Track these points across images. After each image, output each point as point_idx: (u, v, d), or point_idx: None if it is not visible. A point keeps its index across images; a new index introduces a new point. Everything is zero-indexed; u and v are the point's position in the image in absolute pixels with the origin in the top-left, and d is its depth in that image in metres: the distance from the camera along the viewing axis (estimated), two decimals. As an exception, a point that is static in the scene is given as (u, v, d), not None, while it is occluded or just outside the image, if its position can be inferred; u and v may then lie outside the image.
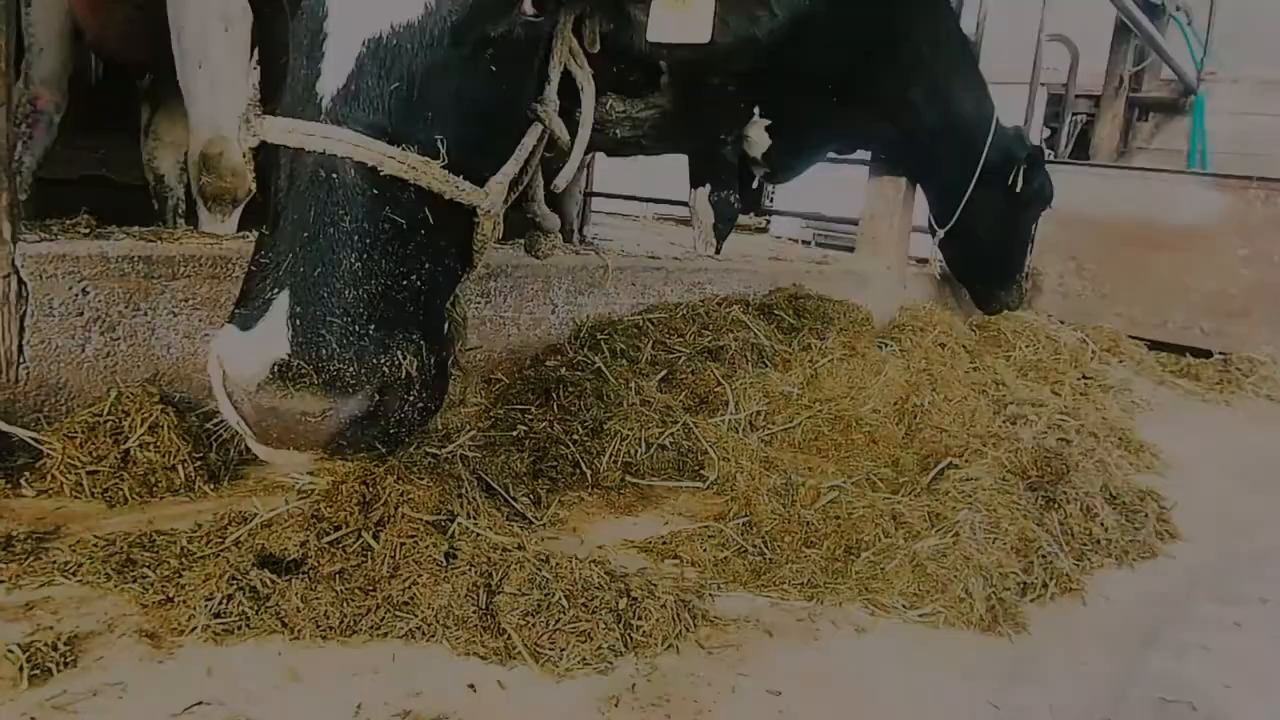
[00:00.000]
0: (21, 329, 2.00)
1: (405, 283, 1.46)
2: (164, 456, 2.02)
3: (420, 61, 1.45)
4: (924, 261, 6.21)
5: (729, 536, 2.11)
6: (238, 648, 1.43)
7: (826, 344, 3.60)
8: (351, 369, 1.34)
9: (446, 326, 1.62)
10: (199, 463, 2.07)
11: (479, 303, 3.06)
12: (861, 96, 4.93)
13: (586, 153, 7.21)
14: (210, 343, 1.41)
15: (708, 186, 5.10)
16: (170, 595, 1.50)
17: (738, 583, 1.97)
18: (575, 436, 2.57)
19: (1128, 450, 3.59)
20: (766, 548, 2.12)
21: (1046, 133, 9.45)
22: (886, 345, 3.80)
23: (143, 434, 2.02)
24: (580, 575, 1.64)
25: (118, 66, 4.58)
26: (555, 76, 1.80)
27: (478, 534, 1.71)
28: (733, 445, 2.70)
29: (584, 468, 2.49)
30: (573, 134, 1.89)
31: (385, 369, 1.38)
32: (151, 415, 2.05)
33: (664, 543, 2.10)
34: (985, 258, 5.65)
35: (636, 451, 2.61)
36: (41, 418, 2.05)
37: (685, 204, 5.33)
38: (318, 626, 1.48)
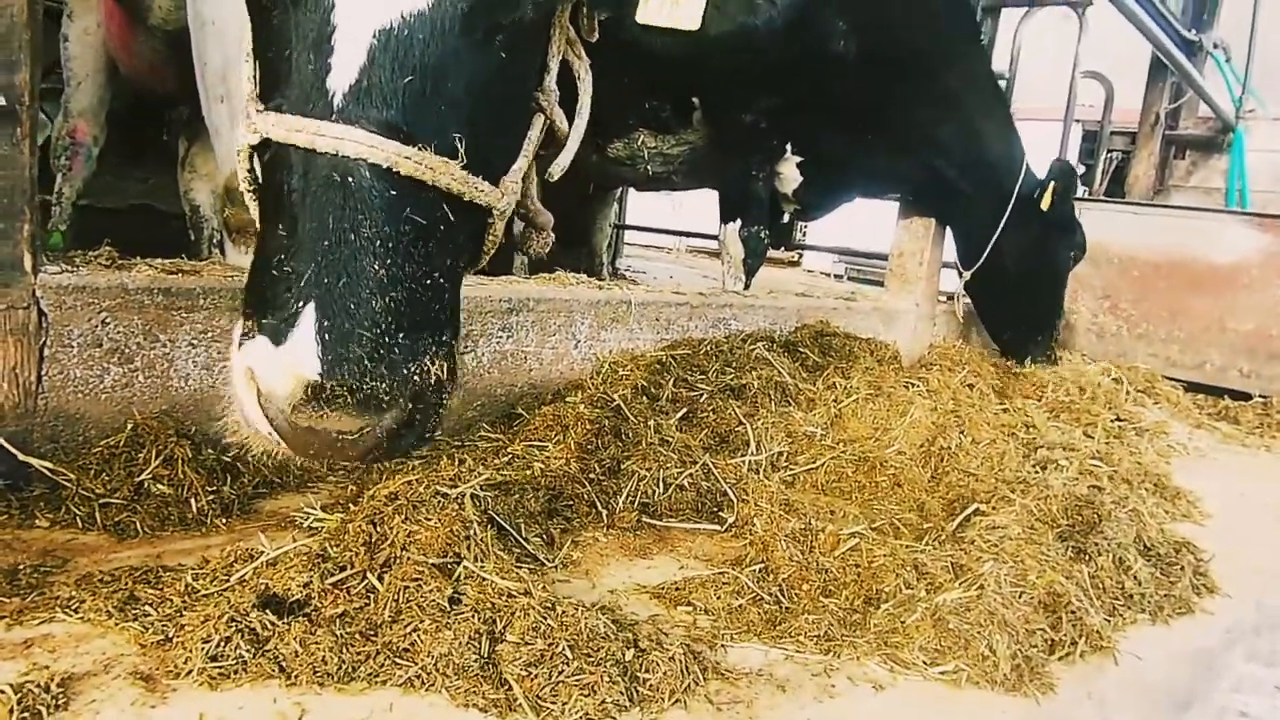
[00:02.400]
0: (41, 359, 2.01)
1: (427, 286, 1.43)
2: (177, 490, 2.02)
3: (434, 52, 1.41)
4: (952, 298, 6.14)
5: (744, 583, 2.06)
6: (233, 693, 1.40)
7: (851, 383, 3.55)
8: (385, 385, 1.33)
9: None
10: (212, 496, 2.06)
11: (500, 337, 3.05)
12: (890, 135, 4.92)
13: (617, 186, 7.23)
14: (238, 352, 1.38)
15: (738, 222, 5.10)
16: (169, 635, 1.47)
17: (752, 633, 1.91)
18: (592, 475, 2.53)
19: (1163, 497, 3.48)
20: (783, 596, 2.06)
21: (1081, 169, 9.35)
22: (913, 385, 3.73)
23: (157, 466, 2.02)
24: (586, 625, 1.60)
25: (153, 99, 4.68)
26: (554, 66, 1.77)
27: (483, 578, 1.68)
28: (752, 487, 2.65)
29: (599, 508, 2.45)
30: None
31: (417, 378, 1.38)
32: (167, 448, 2.05)
33: (677, 588, 2.05)
34: (1014, 305, 5.50)
35: (654, 492, 2.57)
36: (58, 448, 2.06)
37: (716, 237, 5.33)
38: (315, 672, 1.44)
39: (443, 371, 1.42)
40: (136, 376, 2.17)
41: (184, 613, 1.53)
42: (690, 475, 2.65)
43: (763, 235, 5.23)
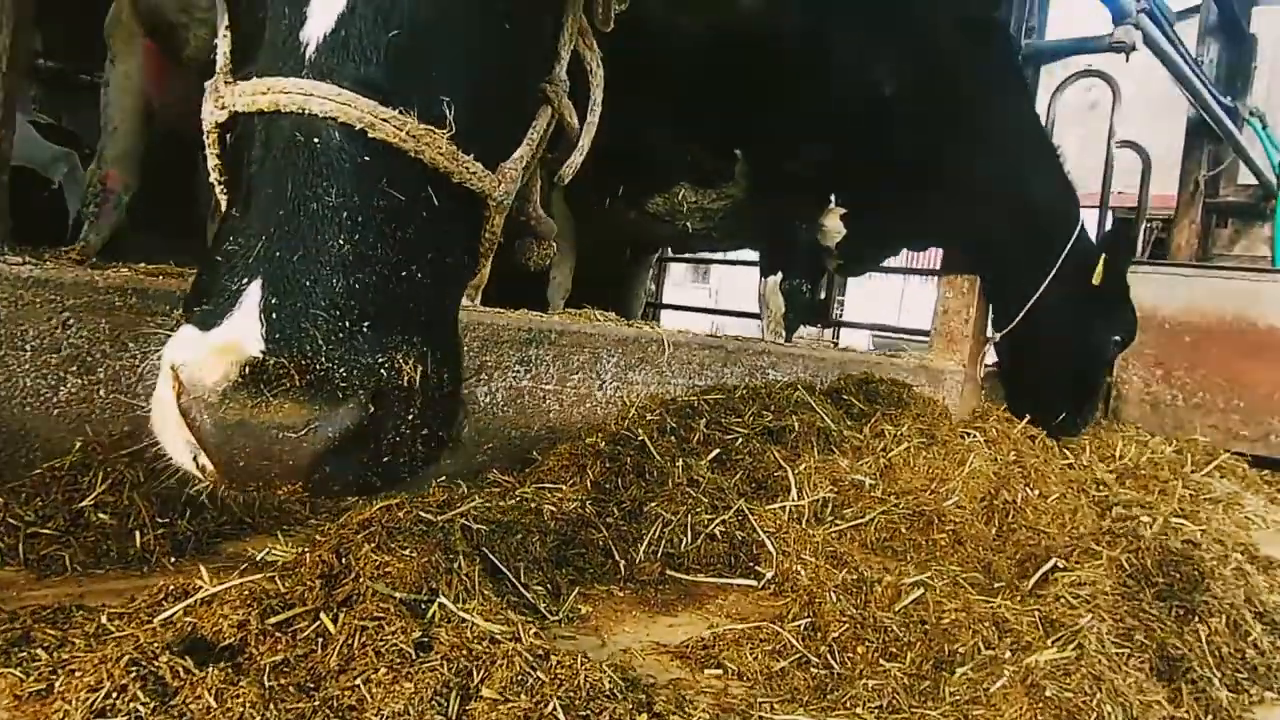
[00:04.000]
0: (-19, 368, 1.77)
1: (403, 276, 1.18)
2: (121, 521, 1.73)
3: (427, 6, 1.20)
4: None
5: (787, 641, 1.70)
6: (122, 758, 1.08)
7: (901, 430, 3.20)
8: (340, 369, 1.05)
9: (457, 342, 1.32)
10: (162, 531, 1.77)
11: (516, 371, 2.77)
12: (935, 185, 4.67)
13: (654, 249, 7.02)
14: (161, 352, 1.12)
15: (779, 275, 4.86)
16: (53, 685, 1.17)
17: (796, 703, 1.55)
18: (609, 519, 2.20)
19: (1255, 567, 3.04)
20: (834, 659, 1.69)
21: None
22: (970, 434, 3.36)
23: (101, 493, 1.74)
24: (586, 680, 1.26)
25: (181, 146, 4.60)
26: (565, 55, 1.55)
27: (463, 619, 1.35)
28: (794, 537, 2.30)
29: (617, 557, 2.12)
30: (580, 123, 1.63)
31: (382, 371, 1.09)
32: (115, 471, 1.77)
33: (705, 647, 1.70)
34: (1038, 378, 4.85)
35: (681, 540, 2.23)
36: (-2, 470, 1.80)
37: (756, 315, 5.09)
38: (231, 733, 1.12)
39: (417, 375, 1.13)
40: (97, 390, 1.91)
41: (80, 657, 1.23)
42: (724, 523, 2.30)
43: (805, 289, 4.98)
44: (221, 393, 1.02)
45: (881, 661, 1.68)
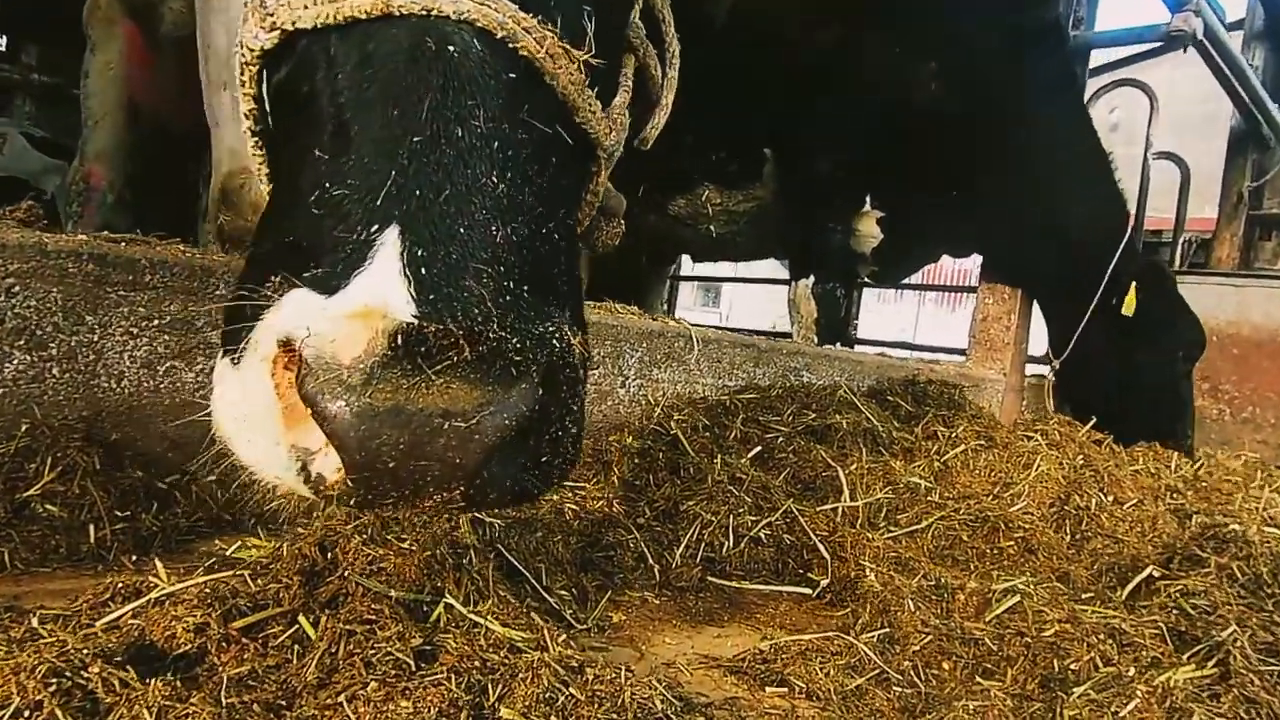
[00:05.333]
0: (-85, 337, 1.53)
1: (546, 231, 0.95)
2: (73, 513, 1.47)
3: None
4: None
5: (862, 655, 1.42)
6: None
7: (957, 432, 2.92)
8: (513, 339, 0.82)
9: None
10: (123, 526, 1.51)
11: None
12: (981, 191, 4.38)
13: (673, 256, 6.74)
14: (260, 326, 0.84)
15: (811, 279, 4.60)
16: (-54, 699, 0.90)
17: (881, 727, 1.27)
18: (641, 520, 1.93)
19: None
20: (918, 675, 1.41)
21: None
22: (1032, 436, 3.07)
23: (50, 481, 1.48)
24: (633, 698, 0.99)
25: (171, 141, 4.40)
26: (638, 3, 1.32)
27: (475, 623, 1.08)
28: (851, 541, 2.02)
29: (650, 560, 1.84)
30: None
31: (554, 342, 0.86)
32: (67, 457, 1.52)
33: (764, 660, 1.42)
34: (1108, 409, 4.23)
35: (722, 544, 1.96)
36: (-66, 458, 1.54)
37: (767, 334, 4.84)
38: (173, 764, 0.85)
39: (582, 349, 0.92)
40: (50, 369, 1.66)
41: (-7, 665, 0.96)
42: (770, 525, 2.03)
43: (839, 294, 4.73)
44: (367, 371, 0.76)
45: (977, 679, 1.39)
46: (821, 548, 2.00)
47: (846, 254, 4.72)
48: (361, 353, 0.77)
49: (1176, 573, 1.97)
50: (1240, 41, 7.82)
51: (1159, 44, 5.28)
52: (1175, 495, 3.18)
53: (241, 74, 1.05)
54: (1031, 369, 5.37)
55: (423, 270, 0.80)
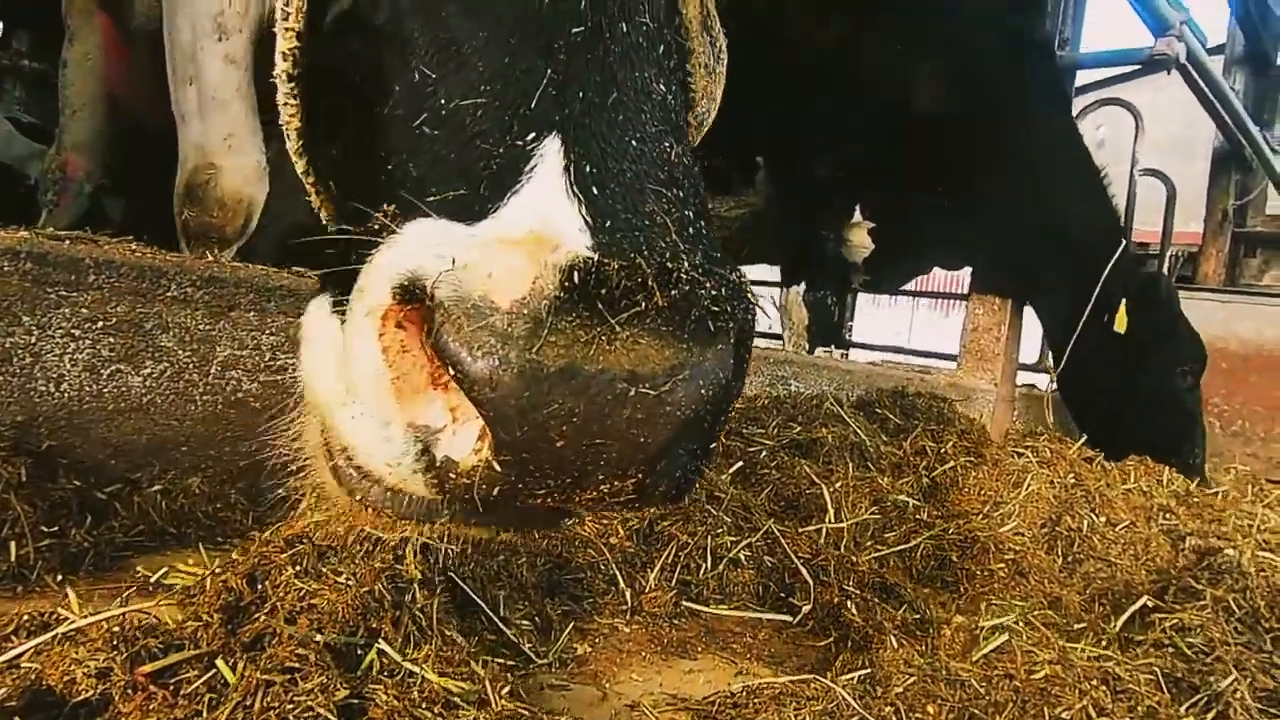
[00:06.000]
0: None
1: (694, 175, 0.78)
2: (-7, 528, 1.37)
3: None
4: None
5: (840, 700, 1.32)
6: None
7: (945, 448, 2.83)
8: (707, 285, 0.65)
9: None
10: (49, 542, 1.40)
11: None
12: (968, 199, 4.30)
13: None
14: (370, 268, 0.66)
15: (802, 285, 4.53)
16: None
17: (858, 782, 1.17)
18: (613, 539, 1.83)
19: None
20: (901, 722, 1.32)
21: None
22: (1022, 454, 2.99)
23: (-31, 494, 1.38)
24: (580, 762, 0.89)
25: (149, 136, 4.30)
26: None
27: (410, 673, 0.98)
28: (835, 565, 1.92)
29: (622, 584, 1.74)
30: None
31: (748, 295, 0.70)
32: (-11, 467, 1.41)
33: (735, 705, 1.32)
34: (1108, 422, 4.20)
35: (699, 566, 1.86)
36: None
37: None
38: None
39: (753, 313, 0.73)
40: (-19, 372, 1.56)
41: None
42: (749, 546, 1.93)
43: (830, 302, 4.65)
44: (535, 317, 0.59)
45: (963, 728, 1.30)
46: (804, 571, 1.91)
47: (839, 262, 4.65)
48: (526, 294, 0.59)
49: (1171, 604, 1.88)
50: (1221, 66, 7.82)
51: (1139, 66, 5.25)
52: (1168, 515, 3.10)
53: (287, 4, 0.91)
54: (1022, 376, 5.29)
55: (595, 190, 0.63)
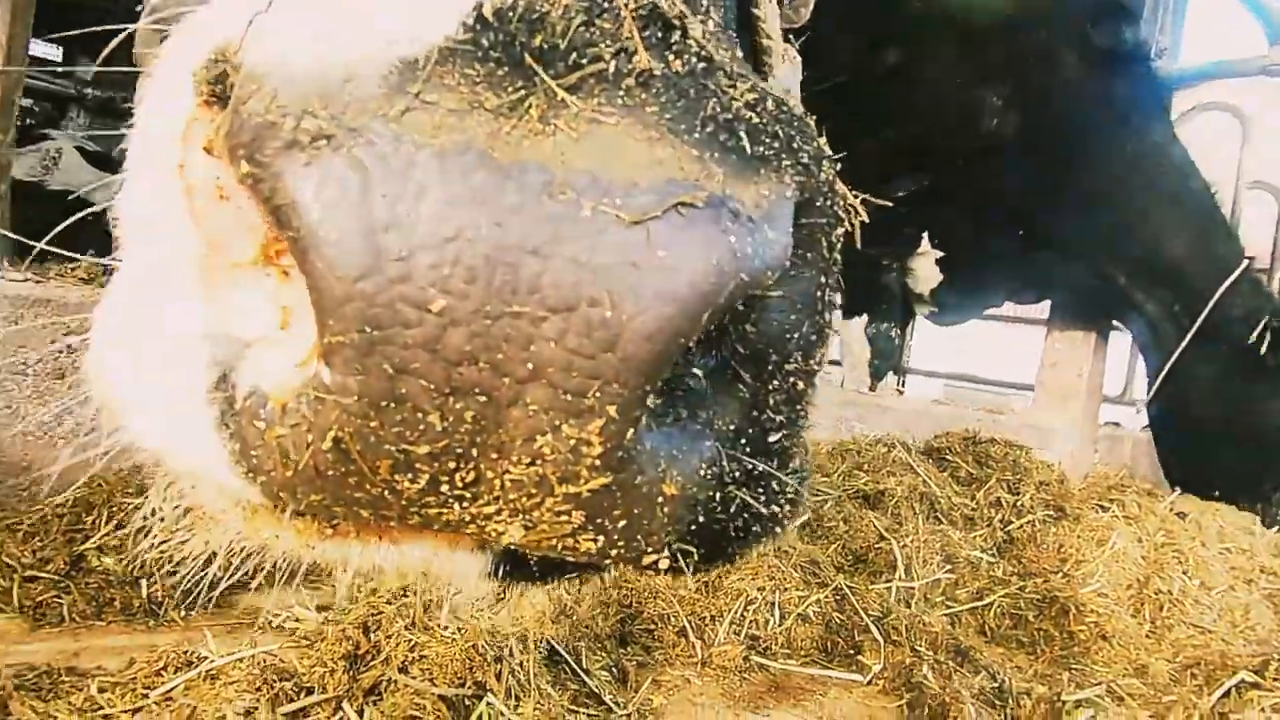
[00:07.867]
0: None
1: None
2: (126, 566, 1.50)
3: None
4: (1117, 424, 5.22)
5: (913, 766, 1.36)
6: None
7: (1023, 500, 2.81)
8: (743, 85, 0.41)
9: None
10: (172, 581, 1.53)
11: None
12: (1048, 231, 4.15)
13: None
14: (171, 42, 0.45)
15: (864, 317, 4.52)
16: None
17: None
18: (682, 592, 1.89)
19: None
20: (974, 792, 1.35)
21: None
22: (1107, 508, 2.94)
23: (107, 534, 1.51)
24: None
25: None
26: None
27: (513, 727, 1.06)
28: (906, 623, 1.95)
29: (691, 636, 1.80)
30: None
31: (814, 142, 0.47)
32: (121, 512, 1.54)
33: (811, 766, 1.37)
34: (1208, 451, 3.80)
35: (767, 621, 1.91)
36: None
37: None
38: None
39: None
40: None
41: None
42: (818, 602, 1.97)
43: (893, 335, 4.62)
44: (404, 69, 0.36)
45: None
46: (874, 629, 1.94)
47: (902, 293, 4.60)
48: (391, 38, 0.37)
49: (1273, 681, 1.85)
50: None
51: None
52: (1271, 578, 3.00)
53: None
54: (1105, 410, 5.09)
55: None
